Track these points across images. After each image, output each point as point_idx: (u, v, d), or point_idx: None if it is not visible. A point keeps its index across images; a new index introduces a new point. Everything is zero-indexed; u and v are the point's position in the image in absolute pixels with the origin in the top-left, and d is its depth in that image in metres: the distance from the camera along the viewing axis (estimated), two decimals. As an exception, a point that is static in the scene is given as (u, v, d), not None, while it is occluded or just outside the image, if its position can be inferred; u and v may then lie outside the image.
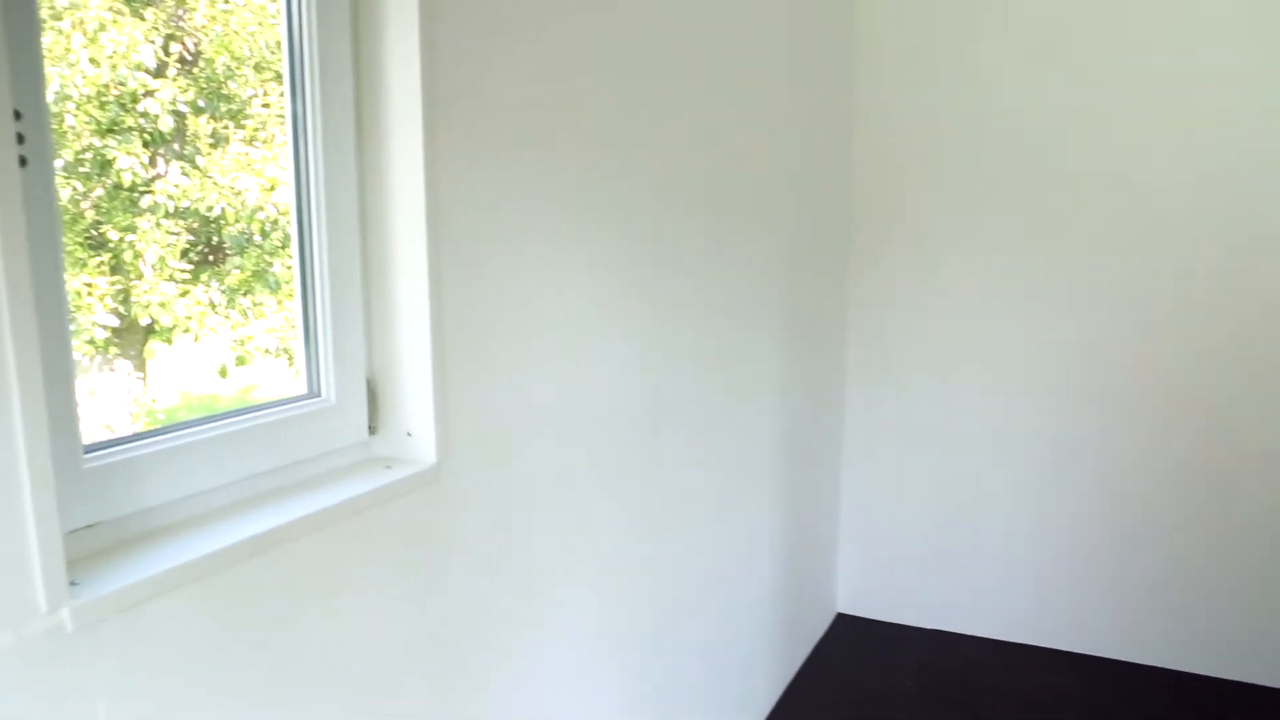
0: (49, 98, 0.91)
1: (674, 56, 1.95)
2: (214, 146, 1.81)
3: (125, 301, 1.70)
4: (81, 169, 1.63)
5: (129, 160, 1.64)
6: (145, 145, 1.68)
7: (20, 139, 0.85)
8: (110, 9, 1.60)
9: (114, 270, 1.69)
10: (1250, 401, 2.95)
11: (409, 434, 1.32)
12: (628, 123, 1.78)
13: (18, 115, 0.84)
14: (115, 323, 1.68)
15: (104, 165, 1.64)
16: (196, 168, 1.80)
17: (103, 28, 1.56)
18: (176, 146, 1.82)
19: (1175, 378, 3.02)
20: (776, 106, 2.57)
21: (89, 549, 0.97)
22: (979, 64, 3.11)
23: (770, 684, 2.88)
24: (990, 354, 3.23)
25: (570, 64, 1.57)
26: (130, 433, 1.06)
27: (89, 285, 1.64)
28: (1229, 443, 2.99)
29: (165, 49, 1.70)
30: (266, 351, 1.97)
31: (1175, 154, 2.92)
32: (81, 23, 1.54)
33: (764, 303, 2.58)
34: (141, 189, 1.67)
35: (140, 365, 1.87)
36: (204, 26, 1.79)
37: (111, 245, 1.67)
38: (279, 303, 1.91)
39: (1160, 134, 2.93)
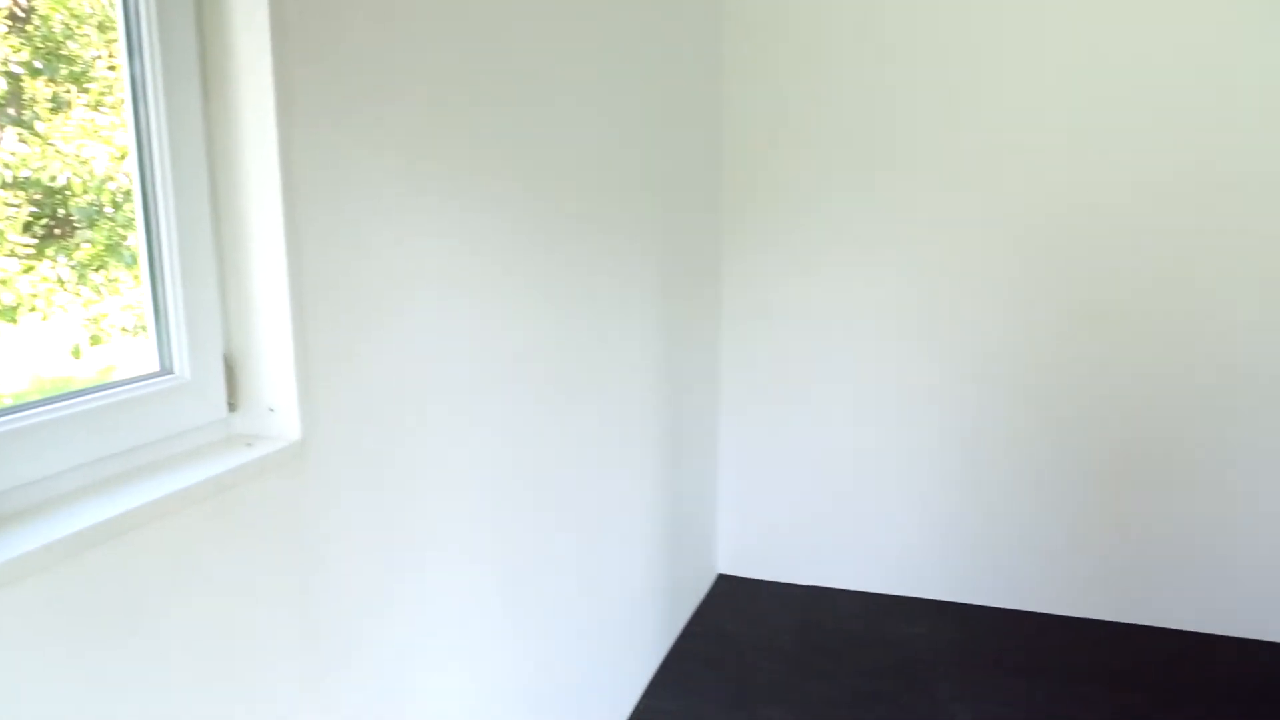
0: None
1: (549, 28, 1.93)
2: (55, 111, 1.71)
3: (-41, 279, 1.59)
4: (-98, 136, 1.51)
5: (-45, 126, 1.52)
6: (-26, 110, 1.57)
7: None
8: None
9: (-55, 246, 1.58)
10: (1088, 359, 3.14)
11: (271, 410, 1.29)
12: (499, 87, 1.76)
13: None
14: (-52, 301, 1.57)
15: (-73, 132, 1.52)
16: (36, 134, 1.70)
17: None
18: (12, 111, 1.71)
19: (1022, 337, 3.19)
20: (646, 70, 2.58)
21: (-82, 540, 0.91)
22: (844, 57, 3.18)
23: (654, 646, 2.94)
24: (858, 316, 3.34)
25: (439, 22, 1.54)
26: (-38, 416, 1.00)
27: (-84, 262, 1.53)
28: (1069, 397, 3.18)
29: (-8, 4, 1.58)
30: (125, 330, 1.89)
31: (1023, 135, 3.06)
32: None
33: (640, 268, 2.60)
34: (-28, 158, 1.56)
35: (-20, 346, 1.75)
36: (37, -19, 1.67)
37: (-59, 219, 1.56)
38: (135, 278, 1.83)
39: (1009, 118, 3.07)
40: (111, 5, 1.64)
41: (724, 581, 3.62)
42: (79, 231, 1.85)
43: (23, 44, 1.69)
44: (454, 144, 1.62)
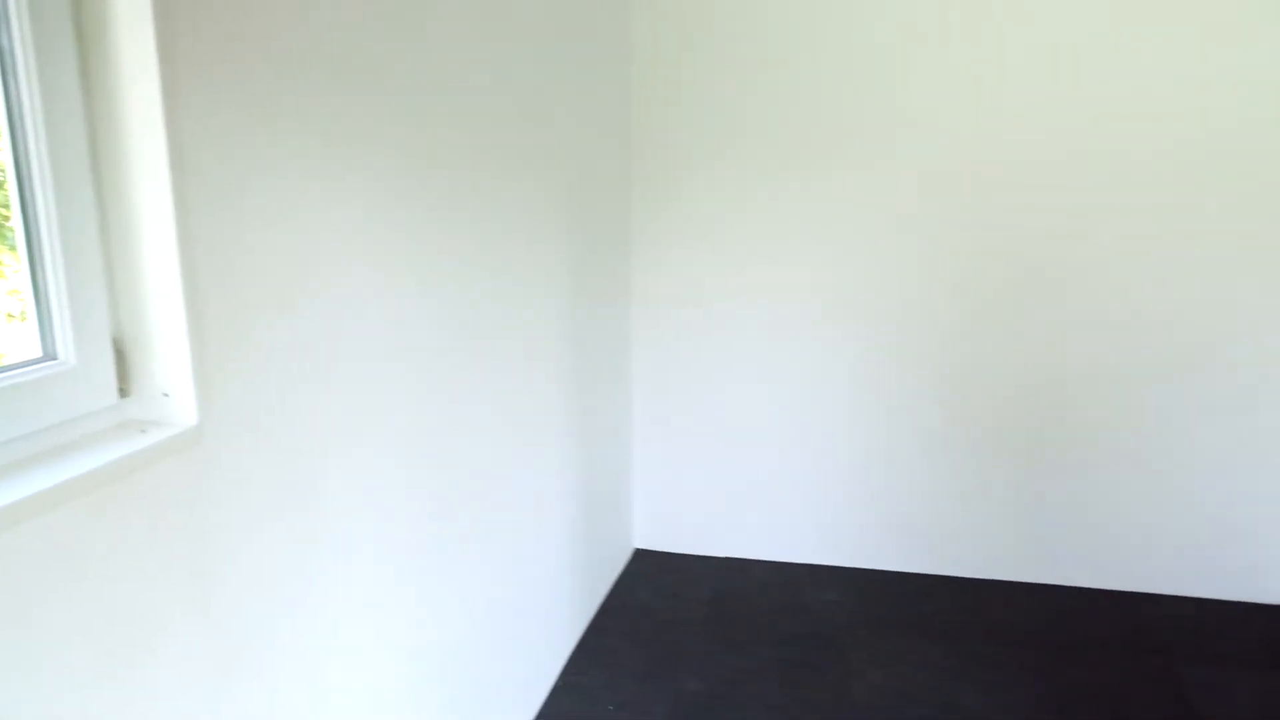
0: None
1: (454, 4, 1.89)
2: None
3: None
4: None
5: None
6: None
7: None
8: None
9: None
10: (992, 333, 3.25)
11: (166, 395, 1.24)
12: (401, 62, 1.72)
13: None
14: None
15: None
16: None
17: None
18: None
19: (928, 312, 3.28)
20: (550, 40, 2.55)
21: None
22: (750, 38, 3.20)
23: (573, 622, 2.95)
24: (769, 294, 3.38)
25: (329, -1, 1.49)
26: None
27: None
28: (972, 370, 3.29)
29: None
30: (11, 316, 1.80)
31: (926, 118, 3.13)
32: None
33: (549, 245, 2.58)
34: None
35: None
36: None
37: None
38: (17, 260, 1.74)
39: (921, 96, 3.13)
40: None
41: (641, 556, 3.64)
42: (-46, 213, 1.75)
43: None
44: (355, 119, 1.58)
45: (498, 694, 2.35)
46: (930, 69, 3.12)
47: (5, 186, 1.73)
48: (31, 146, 1.10)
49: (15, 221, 1.12)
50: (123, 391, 1.24)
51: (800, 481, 3.52)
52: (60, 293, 1.14)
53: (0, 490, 1.00)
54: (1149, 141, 3.03)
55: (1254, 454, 3.18)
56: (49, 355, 1.16)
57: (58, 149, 1.12)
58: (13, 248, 1.81)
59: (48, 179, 1.11)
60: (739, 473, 3.56)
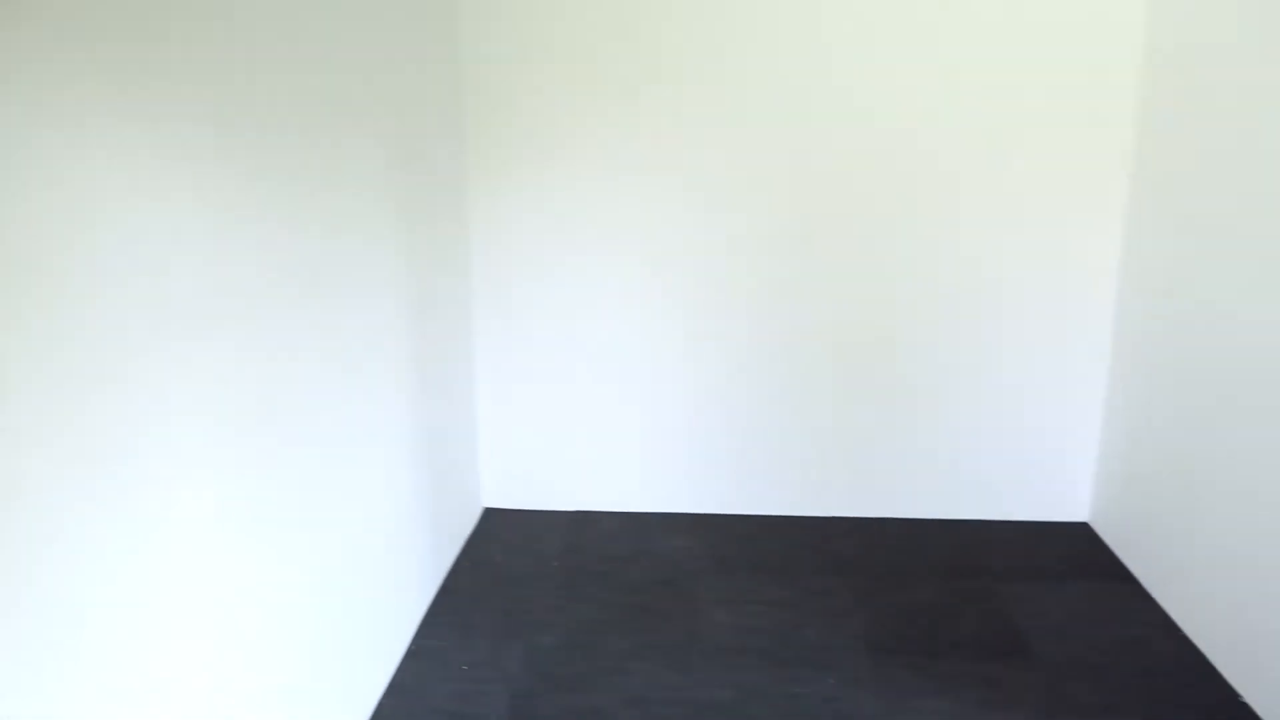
0: None
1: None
2: None
3: None
4: None
5: None
6: None
7: None
8: None
9: None
10: (820, 276, 3.38)
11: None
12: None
13: None
14: None
15: None
16: None
17: None
18: None
19: (757, 255, 3.38)
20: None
21: None
22: (582, -39, 3.17)
23: (423, 584, 2.92)
24: (604, 242, 3.40)
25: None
26: None
27: None
28: (803, 312, 3.41)
29: None
30: None
31: (752, 61, 3.20)
32: None
33: (380, 189, 2.50)
34: None
35: None
36: None
37: None
38: None
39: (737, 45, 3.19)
40: None
41: (491, 515, 3.63)
42: None
43: None
44: (146, 51, 1.47)
45: (346, 664, 2.30)
46: (759, 21, 3.18)
47: None
48: None
49: None
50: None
51: (645, 432, 3.58)
52: None
53: None
54: (972, 79, 3.20)
55: (1063, 385, 3.44)
56: None
57: None
58: None
59: None
60: (584, 427, 3.58)
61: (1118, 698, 2.53)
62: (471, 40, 3.24)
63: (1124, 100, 3.19)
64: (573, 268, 3.42)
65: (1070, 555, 3.34)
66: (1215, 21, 2.77)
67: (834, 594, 3.04)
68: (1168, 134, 3.02)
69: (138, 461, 1.45)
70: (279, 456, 1.94)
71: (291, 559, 2.00)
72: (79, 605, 1.32)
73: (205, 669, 1.66)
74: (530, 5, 3.21)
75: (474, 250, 3.43)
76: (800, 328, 3.43)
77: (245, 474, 1.79)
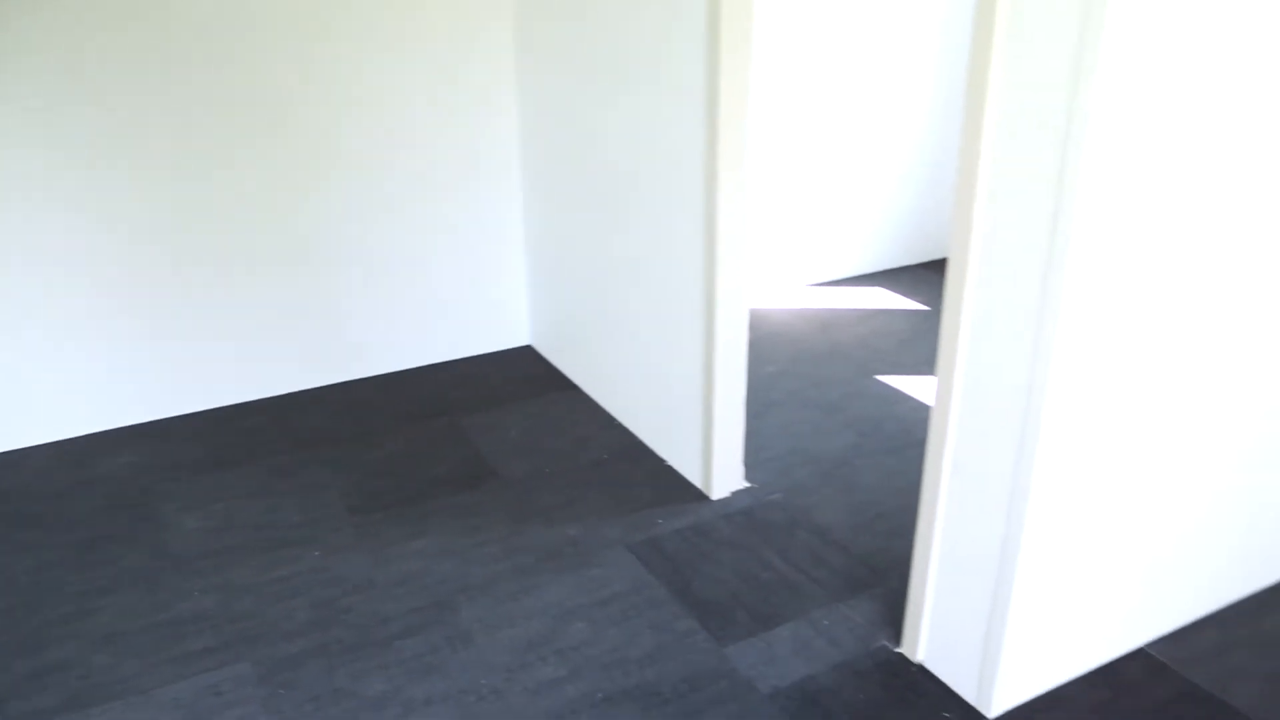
0: None
1: None
2: None
3: None
4: None
5: None
6: None
7: None
8: None
9: None
10: (243, 166, 3.15)
11: None
12: None
13: None
14: None
15: None
16: None
17: None
18: None
19: (179, 148, 3.04)
20: None
21: None
22: None
23: None
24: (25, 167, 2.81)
25: None
26: None
27: None
28: (227, 200, 3.18)
29: None
30: None
31: None
32: None
33: None
34: None
35: None
36: None
37: None
38: None
39: None
40: None
41: None
42: None
43: None
44: None
45: None
46: None
47: None
48: None
49: None
50: None
51: (52, 348, 3.12)
52: None
53: None
54: None
55: (487, 228, 3.66)
56: None
57: None
58: None
59: None
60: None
61: (578, 490, 2.89)
62: None
63: (495, -57, 3.33)
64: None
65: (520, 377, 3.66)
66: None
67: (305, 468, 3.01)
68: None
69: None
70: None
71: None
72: None
73: None
74: None
75: None
76: (226, 212, 3.18)
77: None
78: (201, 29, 2.97)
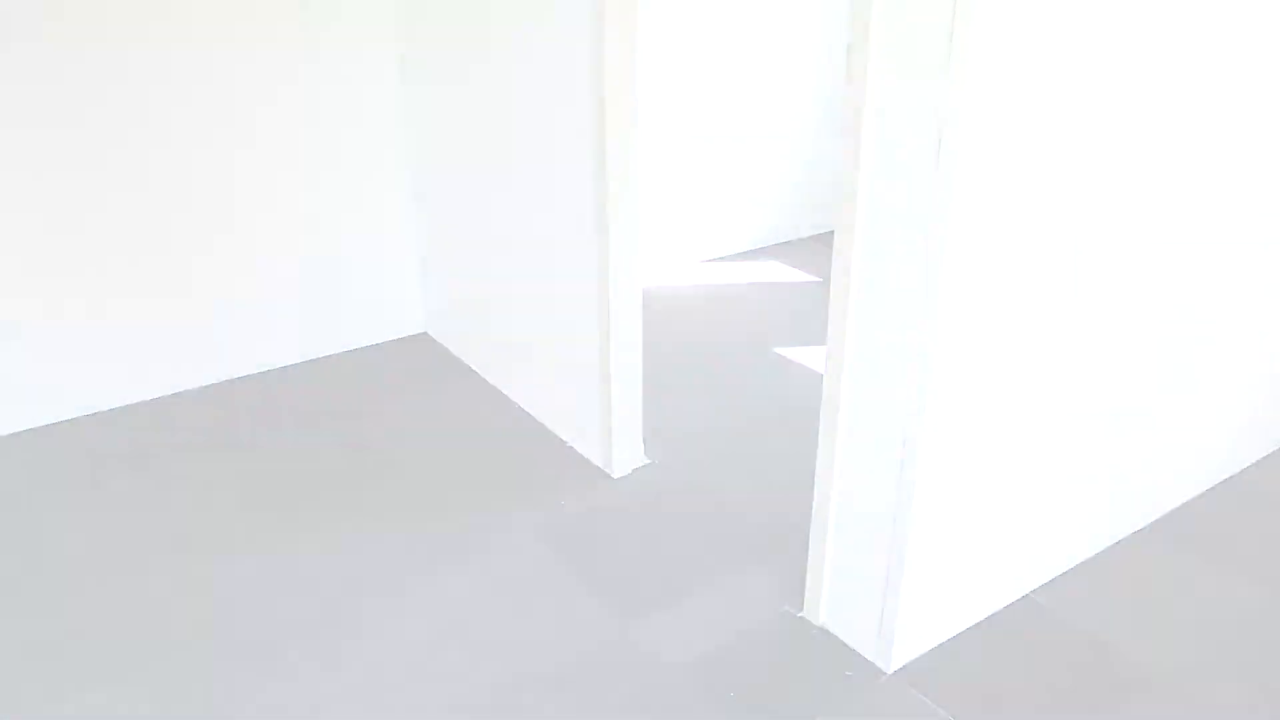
0: None
1: None
2: None
3: None
4: None
5: None
6: None
7: None
8: None
9: None
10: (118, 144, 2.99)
11: None
12: None
13: None
14: None
15: None
16: None
17: None
18: None
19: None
20: None
21: None
22: None
23: None
24: None
25: None
26: None
27: None
28: (104, 180, 3.02)
29: None
30: None
31: None
32: None
33: None
34: None
35: None
36: None
37: None
38: None
39: None
40: None
41: None
42: None
43: None
44: None
45: None
46: None
47: None
48: None
49: None
50: None
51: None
52: None
53: None
54: None
55: (375, 212, 3.56)
56: None
57: None
58: None
59: None
60: None
61: (478, 478, 2.87)
62: None
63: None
64: None
65: (417, 366, 3.59)
66: None
67: (193, 472, 2.89)
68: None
69: None
70: None
71: None
72: None
73: None
74: None
75: None
76: (97, 205, 3.02)
77: None
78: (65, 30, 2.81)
